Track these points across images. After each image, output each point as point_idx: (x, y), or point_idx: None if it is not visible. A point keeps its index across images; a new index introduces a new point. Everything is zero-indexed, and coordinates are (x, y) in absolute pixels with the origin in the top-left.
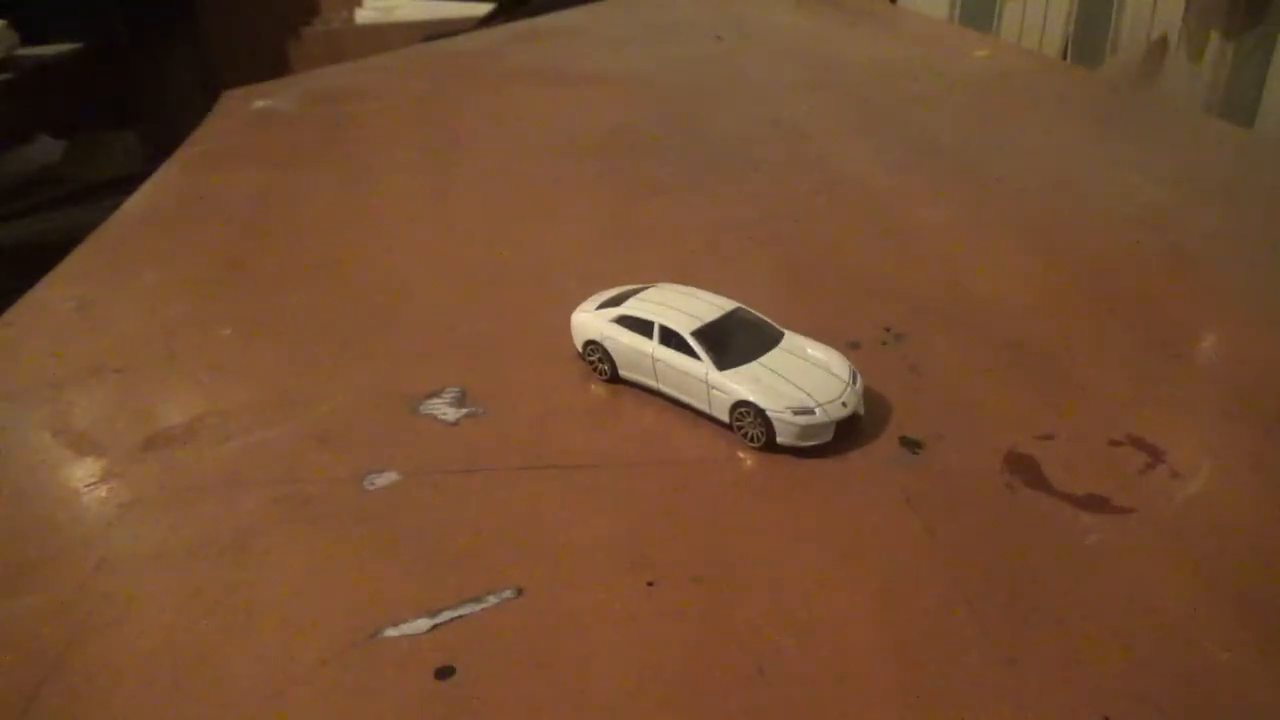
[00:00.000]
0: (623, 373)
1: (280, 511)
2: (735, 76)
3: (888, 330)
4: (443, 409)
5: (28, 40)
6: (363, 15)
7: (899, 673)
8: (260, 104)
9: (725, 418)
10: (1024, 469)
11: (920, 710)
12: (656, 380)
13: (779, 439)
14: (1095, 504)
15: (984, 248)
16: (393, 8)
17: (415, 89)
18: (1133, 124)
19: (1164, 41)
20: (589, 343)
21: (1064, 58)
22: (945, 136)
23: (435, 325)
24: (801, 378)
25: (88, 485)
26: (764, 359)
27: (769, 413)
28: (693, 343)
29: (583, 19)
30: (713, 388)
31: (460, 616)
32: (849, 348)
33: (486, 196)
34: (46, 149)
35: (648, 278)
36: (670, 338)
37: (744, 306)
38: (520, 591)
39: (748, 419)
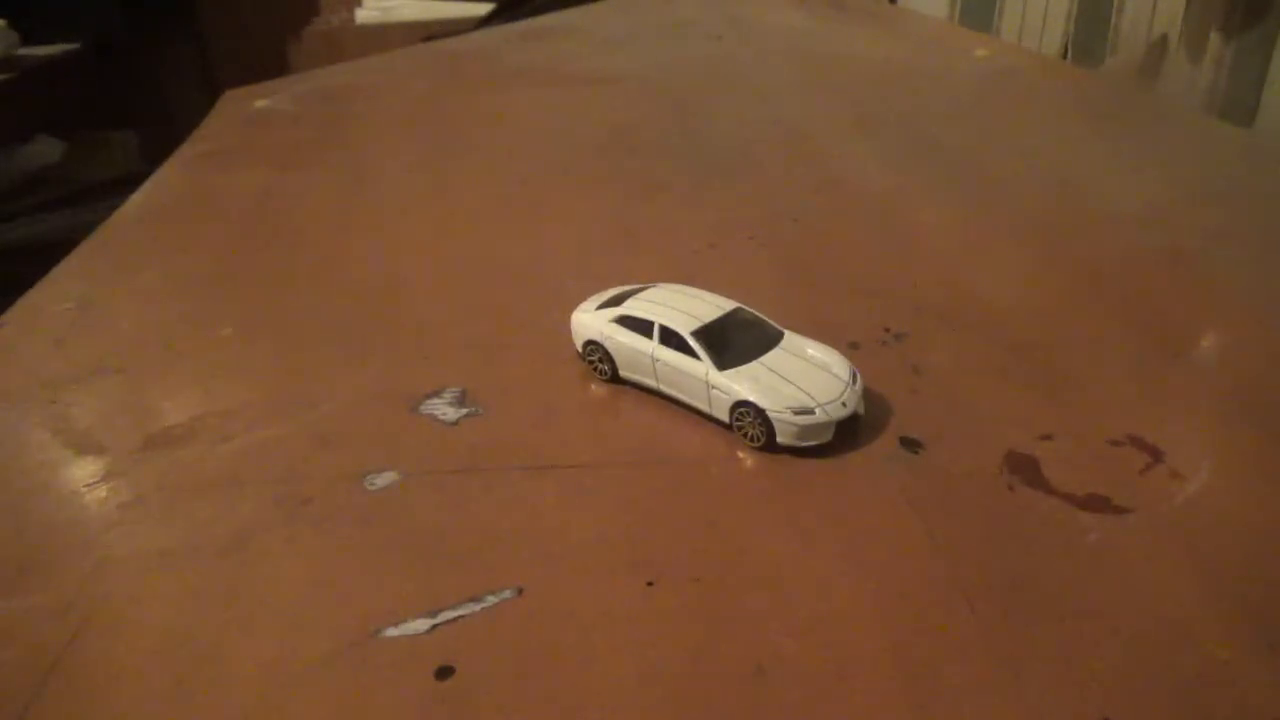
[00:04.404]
0: (623, 373)
1: (280, 511)
2: (735, 76)
3: (888, 330)
4: (443, 409)
5: (28, 40)
6: (363, 15)
7: (899, 672)
8: (260, 104)
9: (725, 418)
10: (1024, 469)
11: (920, 710)
12: (656, 380)
13: (779, 439)
14: (1095, 504)
15: (984, 248)
16: (393, 8)
17: (415, 89)
18: (1133, 124)
19: (1164, 41)
20: (589, 343)
21: (1064, 58)
22: (945, 136)
23: (435, 325)
24: (801, 378)
25: (88, 485)
26: (764, 359)
27: (769, 413)
28: (693, 343)
29: (583, 19)
30: (713, 388)
31: (460, 616)
32: (849, 348)
33: (486, 196)
34: (46, 149)
35: (648, 278)
36: (670, 338)
37: (744, 306)
38: (520, 591)
39: (748, 419)
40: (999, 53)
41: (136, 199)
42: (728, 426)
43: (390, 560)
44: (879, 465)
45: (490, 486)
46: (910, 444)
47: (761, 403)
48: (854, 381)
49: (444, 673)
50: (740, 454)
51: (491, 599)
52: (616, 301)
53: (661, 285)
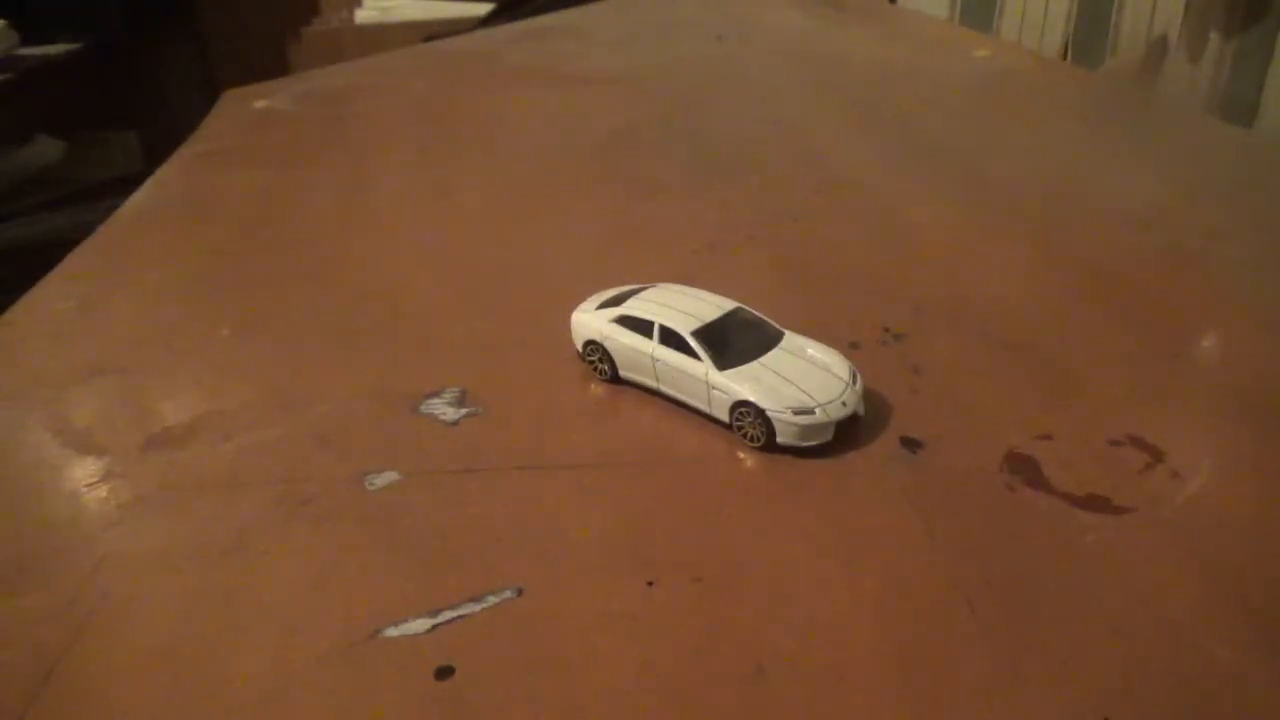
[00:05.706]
0: (623, 373)
1: (280, 512)
2: (735, 76)
3: (887, 330)
4: (443, 409)
5: (28, 40)
6: (363, 15)
7: (899, 672)
8: (260, 104)
9: (725, 418)
10: (1024, 469)
11: (920, 710)
12: (656, 380)
13: (779, 439)
14: (1095, 503)
15: (984, 248)
16: (393, 8)
17: (415, 89)
18: (1133, 124)
19: (1164, 41)
20: (589, 343)
21: (1064, 58)
22: (945, 136)
23: (435, 325)
24: (801, 378)
25: (88, 485)
26: (764, 359)
27: (769, 413)
28: (693, 343)
29: (583, 19)
30: (713, 388)
31: (460, 616)
32: (849, 348)
33: (486, 196)
34: (46, 149)
35: (648, 278)
36: (670, 338)
37: (744, 306)
38: (520, 591)
39: (748, 419)
40: (999, 53)
41: (136, 199)
42: (728, 426)
43: (390, 560)
44: (879, 465)
45: (490, 486)
46: (910, 444)
47: (762, 403)
48: (854, 381)
49: (444, 673)
50: (740, 454)
51: (491, 599)
52: (616, 301)
53: (661, 285)
